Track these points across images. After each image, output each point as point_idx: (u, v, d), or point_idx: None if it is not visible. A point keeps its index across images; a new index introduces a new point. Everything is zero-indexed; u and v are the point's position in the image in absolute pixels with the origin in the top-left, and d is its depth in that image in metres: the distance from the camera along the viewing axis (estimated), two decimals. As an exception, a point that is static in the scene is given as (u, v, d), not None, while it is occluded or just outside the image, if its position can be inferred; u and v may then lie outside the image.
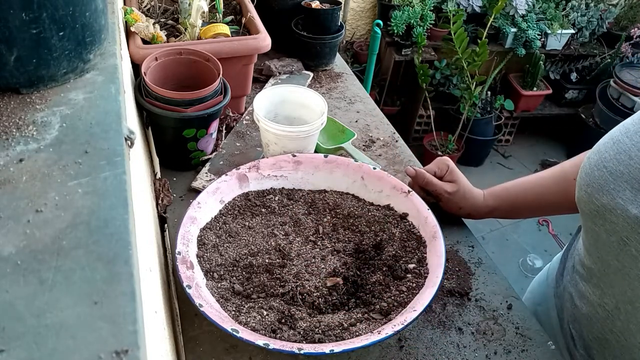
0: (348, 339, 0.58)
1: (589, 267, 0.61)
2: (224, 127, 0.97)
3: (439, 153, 2.41)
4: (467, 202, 0.80)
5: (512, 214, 0.84)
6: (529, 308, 0.74)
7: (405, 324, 0.56)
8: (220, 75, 0.81)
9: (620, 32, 2.49)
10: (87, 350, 0.28)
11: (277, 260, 0.69)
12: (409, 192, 0.75)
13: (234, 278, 0.66)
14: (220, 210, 0.74)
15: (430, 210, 0.72)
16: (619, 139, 0.53)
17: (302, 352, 0.54)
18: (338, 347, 0.54)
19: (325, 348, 0.54)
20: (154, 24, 0.91)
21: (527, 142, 2.85)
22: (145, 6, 1.02)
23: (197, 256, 0.67)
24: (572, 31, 2.43)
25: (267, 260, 0.68)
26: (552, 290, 0.78)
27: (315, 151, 0.87)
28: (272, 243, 0.71)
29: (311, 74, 1.18)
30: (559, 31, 2.38)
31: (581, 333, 0.66)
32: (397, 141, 1.02)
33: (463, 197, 0.79)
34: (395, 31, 2.23)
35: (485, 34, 1.94)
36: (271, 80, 1.14)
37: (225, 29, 0.94)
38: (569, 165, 0.74)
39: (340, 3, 1.25)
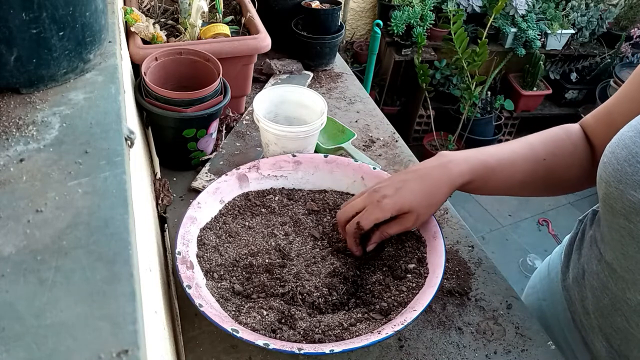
0: (348, 339, 0.58)
1: (609, 263, 0.60)
2: (224, 127, 0.97)
3: (439, 153, 2.41)
4: (438, 201, 0.66)
5: (482, 189, 0.69)
6: (533, 304, 0.72)
7: (405, 324, 0.56)
8: (220, 75, 0.81)
9: (620, 32, 2.49)
10: (87, 350, 0.28)
11: (277, 260, 0.69)
12: None
13: (234, 278, 0.66)
14: (220, 210, 0.74)
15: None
16: None
17: (302, 352, 0.54)
18: (338, 347, 0.54)
19: (325, 348, 0.54)
20: (154, 24, 0.91)
21: (527, 142, 2.85)
22: (145, 6, 1.02)
23: (197, 256, 0.67)
24: (572, 31, 2.43)
25: (267, 260, 0.68)
26: (557, 284, 0.77)
27: (315, 151, 0.87)
28: (272, 243, 0.71)
29: (311, 74, 1.18)
30: (559, 31, 2.38)
31: (602, 324, 0.64)
32: (397, 141, 1.02)
33: (429, 206, 0.65)
34: (395, 31, 2.23)
35: (485, 34, 1.94)
36: (271, 80, 1.14)
37: (225, 29, 0.94)
38: (537, 143, 0.69)
39: (340, 3, 1.25)
